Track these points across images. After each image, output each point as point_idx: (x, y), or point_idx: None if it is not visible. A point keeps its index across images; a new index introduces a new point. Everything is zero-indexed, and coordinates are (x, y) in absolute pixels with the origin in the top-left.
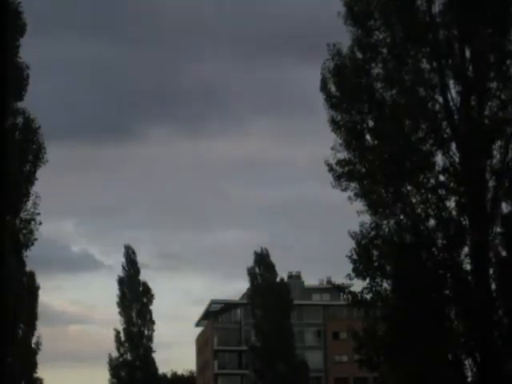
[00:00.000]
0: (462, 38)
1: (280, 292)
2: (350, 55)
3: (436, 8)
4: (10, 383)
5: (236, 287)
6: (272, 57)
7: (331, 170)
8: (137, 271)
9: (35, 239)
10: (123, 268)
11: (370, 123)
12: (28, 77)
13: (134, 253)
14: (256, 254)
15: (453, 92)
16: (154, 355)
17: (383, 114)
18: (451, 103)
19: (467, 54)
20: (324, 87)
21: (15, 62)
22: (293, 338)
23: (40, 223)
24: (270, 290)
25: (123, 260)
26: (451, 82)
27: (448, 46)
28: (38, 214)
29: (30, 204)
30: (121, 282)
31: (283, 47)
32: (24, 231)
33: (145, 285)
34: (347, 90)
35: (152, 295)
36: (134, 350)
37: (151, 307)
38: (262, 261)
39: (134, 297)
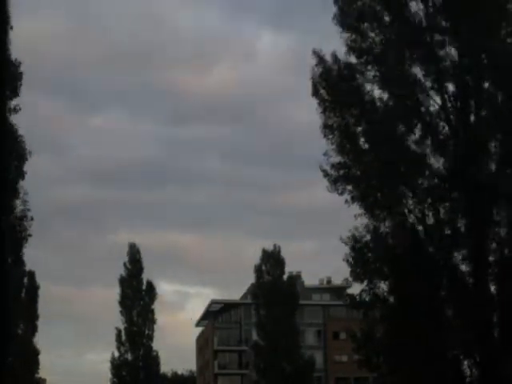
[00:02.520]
0: (456, 41)
1: (286, 288)
2: (335, 60)
3: (430, 10)
4: (10, 383)
5: (236, 287)
6: None
7: (326, 175)
8: (140, 269)
9: (29, 235)
10: (125, 266)
11: (363, 126)
12: (22, 74)
13: (138, 251)
14: (264, 251)
15: (448, 95)
16: (158, 355)
17: (376, 116)
18: (448, 105)
19: (462, 56)
20: (316, 92)
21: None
22: (298, 336)
23: (32, 219)
24: (275, 286)
25: (126, 258)
26: (446, 85)
27: (442, 49)
28: (29, 210)
29: (19, 201)
30: (122, 281)
31: None
32: (18, 228)
33: (149, 283)
34: (337, 94)
35: (155, 294)
36: (134, 350)
37: (153, 306)
38: (270, 258)
39: (136, 296)
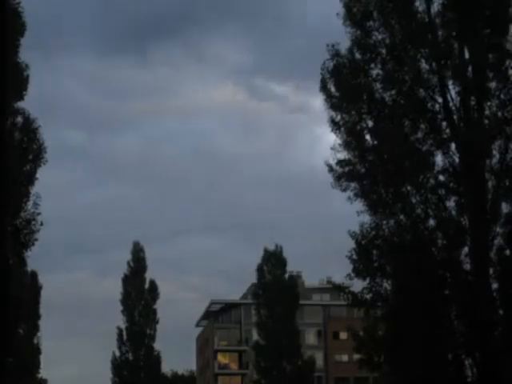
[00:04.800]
0: (460, 39)
1: (287, 288)
2: (348, 56)
3: (435, 8)
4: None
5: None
6: None
7: (331, 170)
8: (143, 268)
9: (36, 239)
10: (128, 265)
11: (370, 123)
12: (28, 77)
13: (142, 250)
14: (265, 250)
15: (452, 92)
16: (160, 355)
17: (383, 114)
18: (451, 103)
19: (466, 54)
20: (323, 87)
21: (15, 62)
22: (299, 336)
23: (41, 224)
24: (277, 286)
25: (130, 257)
26: (450, 83)
27: (447, 47)
28: (39, 213)
29: (30, 204)
30: (125, 279)
31: None
32: (25, 231)
33: (152, 282)
34: (346, 90)
35: (158, 294)
36: (136, 350)
37: (155, 306)
38: (271, 257)
39: (138, 295)
